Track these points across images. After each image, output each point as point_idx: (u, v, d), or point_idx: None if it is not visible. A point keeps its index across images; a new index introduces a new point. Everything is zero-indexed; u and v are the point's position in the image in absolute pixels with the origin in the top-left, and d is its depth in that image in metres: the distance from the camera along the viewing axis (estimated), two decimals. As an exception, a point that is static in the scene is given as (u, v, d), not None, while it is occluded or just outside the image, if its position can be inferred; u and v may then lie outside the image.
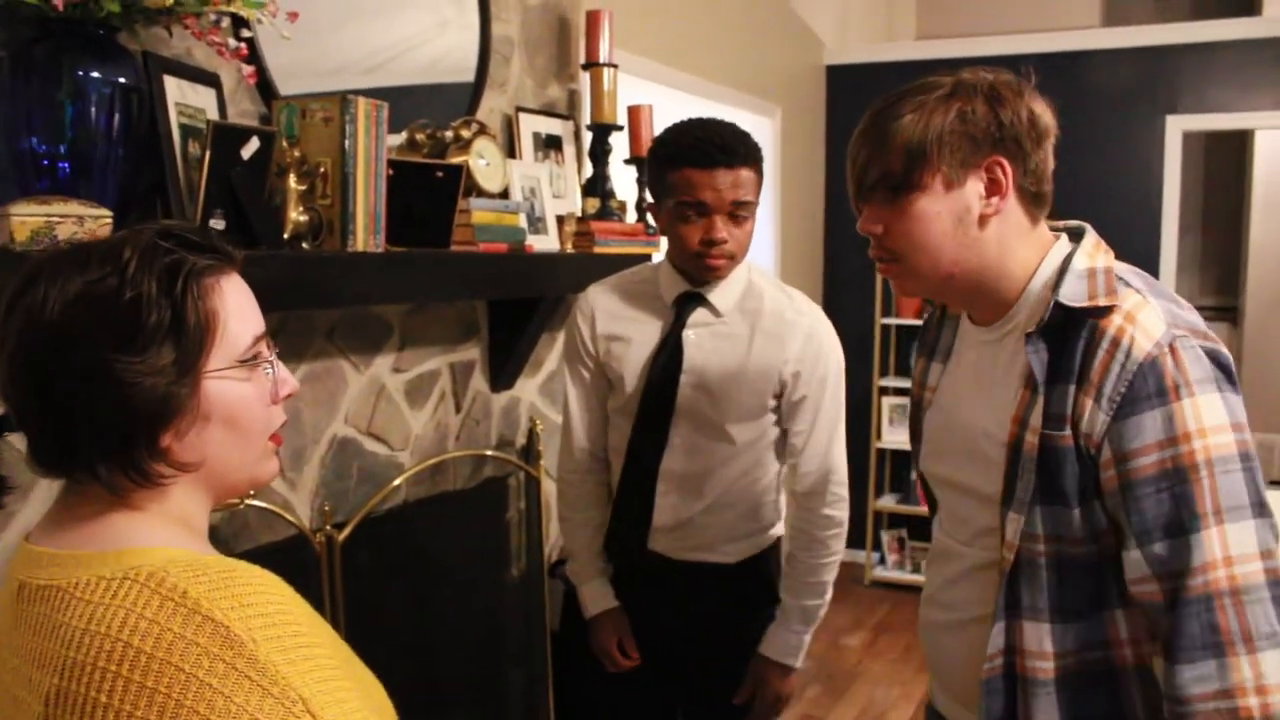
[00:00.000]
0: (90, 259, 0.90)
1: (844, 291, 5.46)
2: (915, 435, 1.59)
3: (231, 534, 2.06)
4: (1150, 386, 1.20)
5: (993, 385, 1.37)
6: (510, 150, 2.78)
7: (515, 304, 2.70)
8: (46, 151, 1.61)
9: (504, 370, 2.78)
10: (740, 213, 1.93)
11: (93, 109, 1.62)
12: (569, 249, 2.77)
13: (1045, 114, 1.32)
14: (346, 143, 1.95)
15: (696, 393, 2.02)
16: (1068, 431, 1.25)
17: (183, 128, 1.80)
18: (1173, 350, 1.21)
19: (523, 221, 2.59)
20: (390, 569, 2.42)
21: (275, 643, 0.82)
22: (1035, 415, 1.28)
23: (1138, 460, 1.22)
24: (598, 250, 2.78)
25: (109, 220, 1.55)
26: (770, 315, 2.03)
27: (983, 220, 1.31)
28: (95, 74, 1.61)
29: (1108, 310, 1.25)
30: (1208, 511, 1.19)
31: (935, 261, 1.32)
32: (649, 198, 2.10)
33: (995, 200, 1.30)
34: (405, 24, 2.51)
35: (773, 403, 2.04)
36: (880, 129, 1.33)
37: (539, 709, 2.91)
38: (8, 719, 0.88)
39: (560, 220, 2.77)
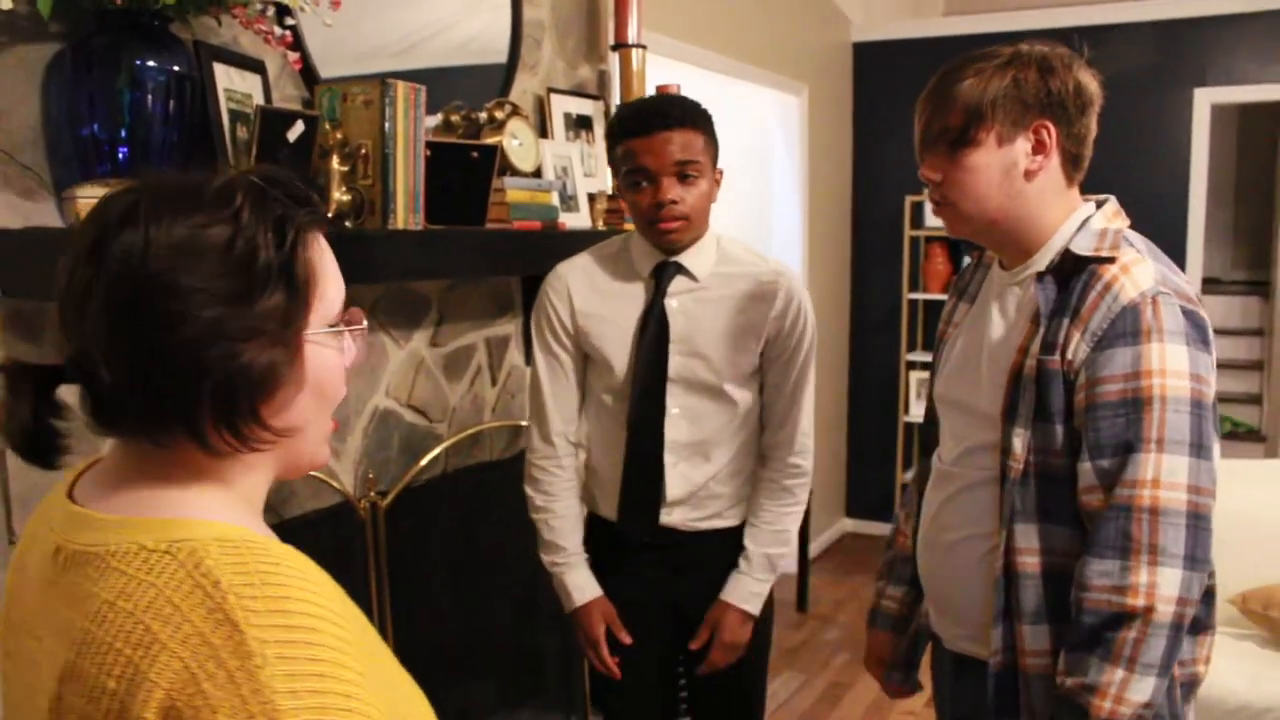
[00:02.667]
0: (199, 200, 0.82)
1: (872, 267, 5.50)
2: (935, 369, 1.74)
3: (280, 500, 2.16)
4: (1128, 326, 1.39)
5: (1007, 320, 1.56)
6: (542, 130, 2.85)
7: (548, 280, 2.78)
8: (106, 137, 1.70)
9: (538, 345, 2.86)
10: (688, 172, 1.97)
11: (149, 96, 1.70)
12: (600, 226, 2.84)
13: (1091, 84, 1.50)
14: (386, 125, 2.03)
15: (689, 359, 2.06)
16: (1056, 357, 1.44)
17: (231, 113, 1.89)
18: (1154, 302, 1.39)
19: (555, 200, 2.67)
20: (430, 536, 2.51)
21: (285, 664, 0.74)
22: (1036, 344, 1.47)
23: (1104, 386, 1.40)
24: (627, 227, 2.85)
25: (167, 201, 1.63)
26: (748, 277, 2.09)
27: (1028, 175, 1.49)
28: (151, 63, 1.70)
29: (1109, 260, 1.44)
30: (1151, 438, 1.37)
31: (982, 207, 1.51)
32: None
33: (1040, 158, 1.48)
34: (435, 6, 2.58)
35: (758, 361, 2.10)
36: (944, 90, 1.51)
37: (573, 675, 3.01)
38: (26, 686, 0.84)
39: (591, 198, 2.85)
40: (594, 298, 2.10)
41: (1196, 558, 1.37)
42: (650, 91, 3.03)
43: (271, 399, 0.84)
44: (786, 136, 4.66)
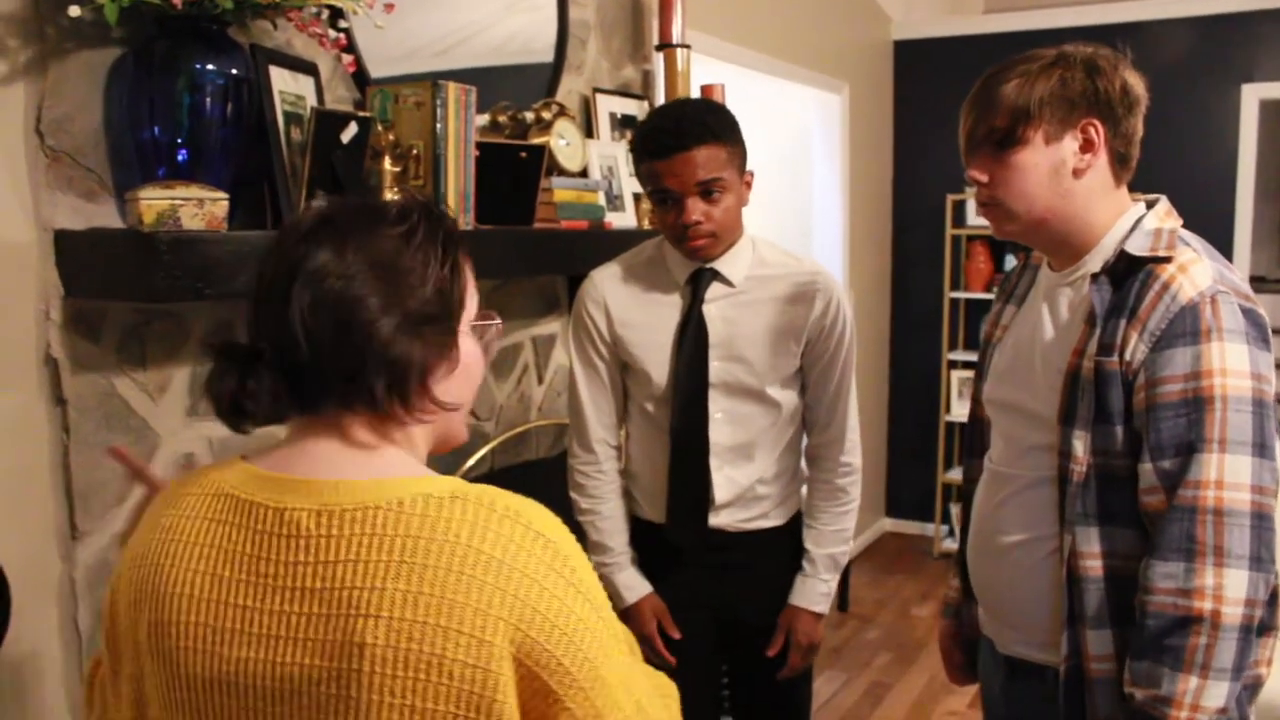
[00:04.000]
0: (383, 219, 1.02)
1: (913, 266, 5.48)
2: (980, 372, 1.74)
3: (333, 498, 2.18)
4: (1187, 326, 1.38)
5: (1059, 320, 1.56)
6: (588, 130, 2.86)
7: (593, 279, 2.79)
8: (166, 140, 1.72)
9: (583, 344, 2.87)
10: (712, 189, 1.96)
11: (207, 99, 1.73)
12: (646, 225, 2.85)
13: (1137, 85, 1.51)
14: (438, 126, 2.05)
15: (729, 363, 2.07)
16: (1115, 358, 1.43)
17: (286, 115, 1.91)
18: (1213, 301, 1.39)
19: (601, 199, 2.69)
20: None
21: (583, 560, 0.98)
22: (1092, 345, 1.46)
23: (1165, 386, 1.39)
24: (659, 227, 2.85)
25: (225, 201, 1.66)
26: (784, 279, 2.09)
27: (1076, 173, 1.49)
28: (210, 66, 1.72)
29: (1165, 260, 1.44)
30: (1214, 438, 1.36)
31: (1030, 206, 1.51)
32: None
33: (1088, 157, 1.49)
34: (477, 6, 2.59)
35: (799, 362, 2.10)
36: (989, 92, 1.51)
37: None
38: (297, 643, 0.93)
39: (637, 198, 2.85)
40: (631, 307, 2.11)
41: (1261, 558, 1.36)
42: (694, 92, 3.04)
43: (435, 380, 1.02)
44: (827, 135, 4.65)
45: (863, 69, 4.98)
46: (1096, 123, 1.48)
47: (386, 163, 2.04)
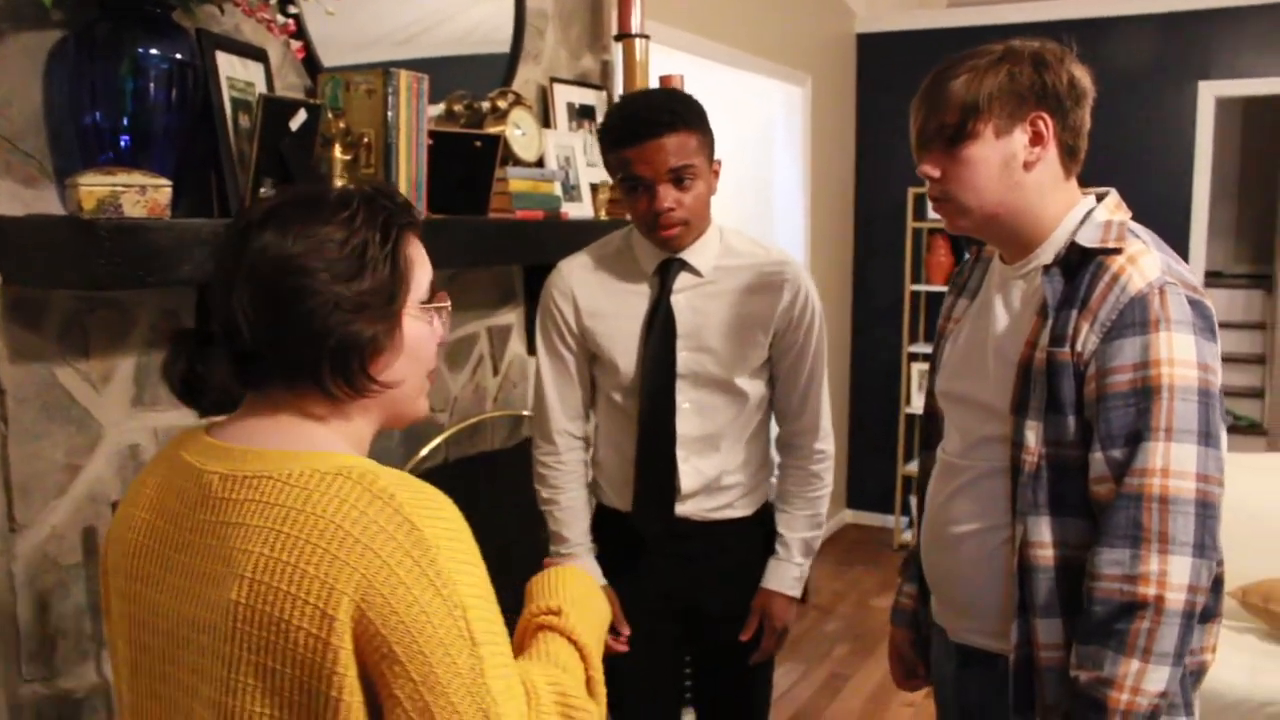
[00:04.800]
0: (322, 206, 1.06)
1: (874, 258, 5.50)
2: (934, 365, 1.75)
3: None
4: (1136, 317, 1.40)
5: (1012, 312, 1.57)
6: (545, 120, 2.85)
7: (550, 269, 2.77)
8: (109, 125, 1.69)
9: (540, 335, 2.86)
10: (684, 176, 1.96)
11: (151, 85, 1.70)
12: (603, 215, 2.84)
13: (1084, 78, 1.52)
14: (389, 114, 2.03)
15: (697, 354, 2.07)
16: (1066, 349, 1.44)
17: (234, 101, 1.88)
18: (1161, 292, 1.40)
19: (558, 190, 2.67)
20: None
21: (451, 553, 0.97)
22: (1044, 337, 1.47)
23: (1115, 376, 1.41)
24: (630, 217, 2.84)
25: (169, 188, 1.63)
26: (751, 269, 2.09)
27: (1026, 166, 1.50)
28: (154, 51, 1.69)
29: (1115, 252, 1.45)
30: (1160, 427, 1.38)
31: (983, 200, 1.51)
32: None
33: (1038, 149, 1.50)
34: (437, -4, 2.57)
35: (767, 353, 2.10)
36: (939, 88, 1.52)
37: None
38: (193, 594, 1.01)
39: (594, 188, 2.84)
40: (599, 297, 2.11)
41: (1205, 545, 1.38)
42: (654, 83, 3.03)
43: (377, 359, 1.07)
44: (790, 127, 4.65)
45: (826, 62, 4.98)
46: (1045, 116, 1.48)
47: (337, 150, 2.02)
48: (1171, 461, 1.37)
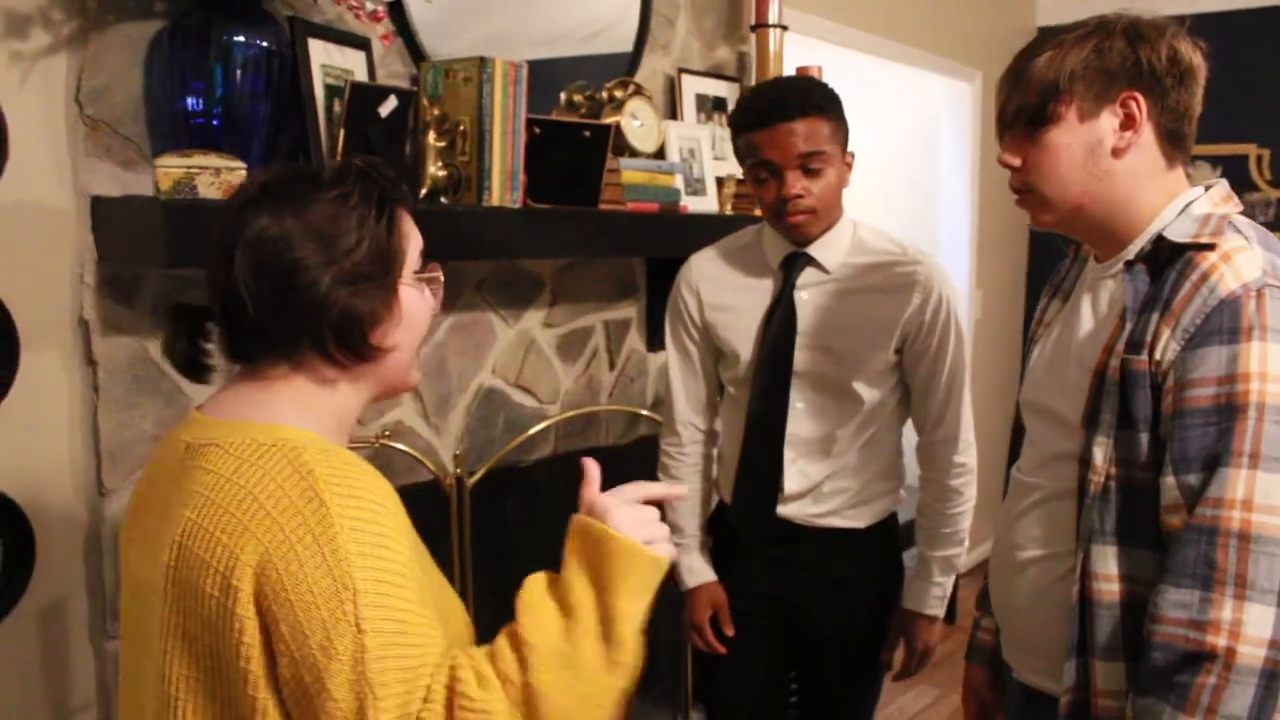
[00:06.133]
0: (319, 181, 1.09)
1: (1050, 262, 5.17)
2: (1023, 373, 1.60)
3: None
4: (1225, 323, 1.22)
5: (1096, 316, 1.41)
6: (671, 112, 2.80)
7: (674, 264, 2.72)
8: (200, 111, 1.76)
9: (661, 330, 2.78)
10: (813, 164, 1.87)
11: (239, 71, 1.76)
12: (728, 210, 2.76)
13: (1190, 54, 1.34)
14: (484, 101, 2.03)
15: (816, 353, 1.98)
16: (1144, 356, 1.27)
17: (328, 88, 1.92)
18: (1259, 295, 1.21)
19: (678, 182, 2.61)
20: (536, 516, 2.50)
21: (356, 534, 0.95)
22: (1122, 342, 1.30)
23: (1195, 390, 1.23)
24: (758, 212, 2.75)
25: (243, 170, 1.68)
26: (882, 268, 1.98)
27: (1116, 153, 1.34)
28: (240, 38, 1.75)
29: (1208, 248, 1.27)
30: (1244, 451, 1.19)
31: (1064, 191, 1.36)
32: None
33: (1129, 134, 1.33)
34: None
35: (894, 359, 1.99)
36: (1021, 67, 1.38)
37: (680, 669, 2.95)
38: (150, 555, 1.04)
39: (720, 182, 2.77)
40: (723, 290, 2.07)
41: None
42: (790, 74, 2.93)
43: (376, 328, 1.09)
44: (956, 127, 4.41)
45: (1000, 56, 4.70)
46: (1138, 96, 1.31)
47: (431, 137, 2.03)
48: (1256, 493, 1.18)
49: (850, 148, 1.97)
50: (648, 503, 1.11)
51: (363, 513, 0.97)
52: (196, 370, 1.17)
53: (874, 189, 4.16)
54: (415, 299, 1.14)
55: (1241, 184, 4.39)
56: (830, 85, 1.97)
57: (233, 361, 1.13)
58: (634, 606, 1.03)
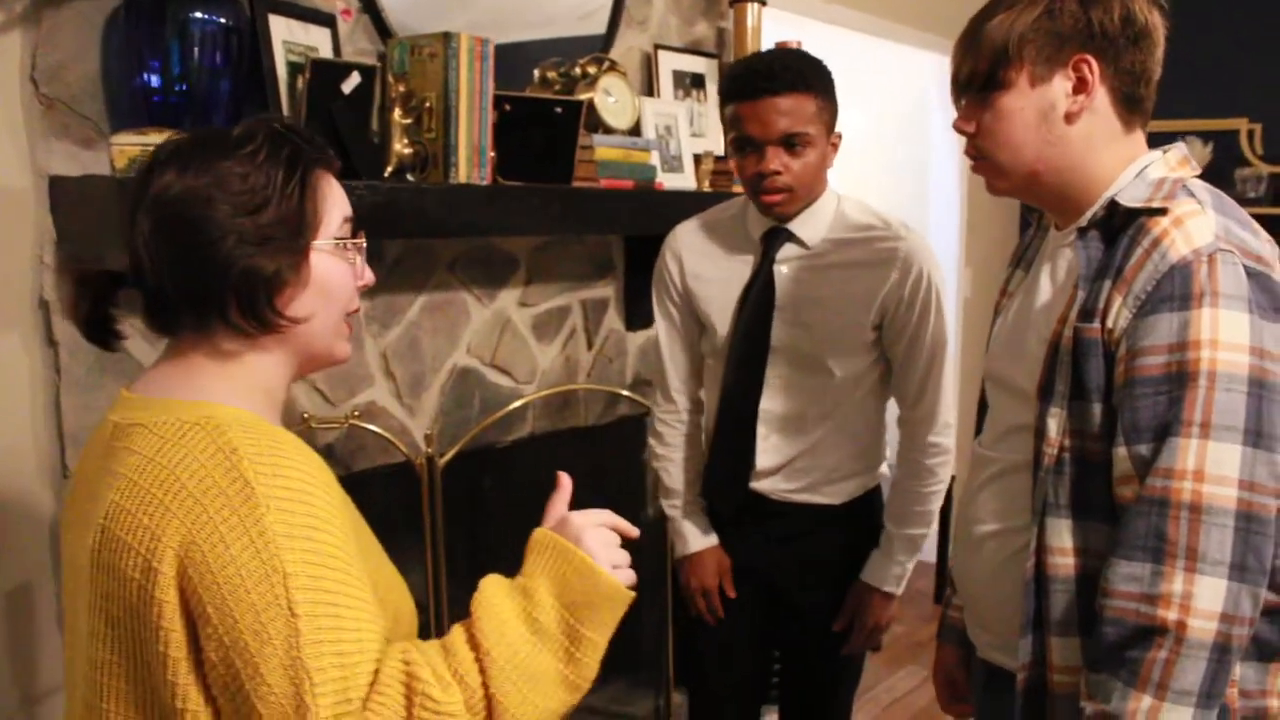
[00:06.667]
0: (226, 141, 1.05)
1: (1048, 242, 5.14)
2: (988, 345, 1.58)
3: (349, 453, 2.18)
4: (1175, 289, 1.19)
5: (1054, 285, 1.39)
6: (648, 89, 2.77)
7: (653, 241, 2.69)
8: (159, 88, 1.74)
9: (640, 309, 2.78)
10: (795, 141, 1.85)
11: (196, 48, 1.73)
12: (705, 187, 2.74)
13: (1144, 13, 1.31)
14: (449, 76, 2.01)
15: (792, 329, 1.96)
16: (1096, 324, 1.25)
17: (291, 65, 1.90)
18: (1210, 260, 1.19)
19: (654, 159, 2.59)
20: (513, 498, 2.49)
21: (284, 515, 0.93)
22: (1075, 311, 1.28)
23: (1145, 358, 1.20)
24: (736, 189, 2.73)
25: (199, 149, 1.66)
26: (863, 243, 1.95)
27: (1069, 118, 1.31)
28: (197, 14, 1.73)
29: (1160, 213, 1.24)
30: (1194, 420, 1.17)
31: (1018, 157, 1.34)
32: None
33: (1081, 98, 1.31)
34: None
35: (872, 335, 1.96)
36: (974, 30, 1.35)
37: (662, 652, 2.94)
38: (79, 538, 1.02)
39: (697, 159, 2.75)
40: (704, 260, 2.06)
41: (1247, 567, 1.15)
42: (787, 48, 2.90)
43: (282, 292, 1.04)
44: (946, 104, 4.37)
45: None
46: (1090, 59, 1.29)
47: (396, 114, 2.01)
48: (1208, 463, 1.16)
49: (838, 128, 1.95)
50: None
51: (290, 493, 0.94)
52: (103, 337, 1.13)
53: (863, 166, 4.13)
54: (331, 266, 1.09)
55: (1233, 159, 4.36)
56: (822, 62, 1.94)
57: (154, 333, 1.10)
58: (601, 638, 1.05)
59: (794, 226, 1.96)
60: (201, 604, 0.91)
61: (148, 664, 0.94)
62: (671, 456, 2.16)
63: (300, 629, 0.90)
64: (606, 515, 1.11)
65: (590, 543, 1.06)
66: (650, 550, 2.88)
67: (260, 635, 0.89)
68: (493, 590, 1.03)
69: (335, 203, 1.11)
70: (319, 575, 0.92)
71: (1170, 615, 1.15)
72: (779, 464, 2.03)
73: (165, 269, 1.02)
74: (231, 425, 0.97)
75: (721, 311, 2.02)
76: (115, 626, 0.95)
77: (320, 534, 0.94)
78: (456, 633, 1.01)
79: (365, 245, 1.14)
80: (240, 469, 0.93)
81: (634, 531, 1.13)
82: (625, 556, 1.09)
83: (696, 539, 2.14)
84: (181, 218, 1.01)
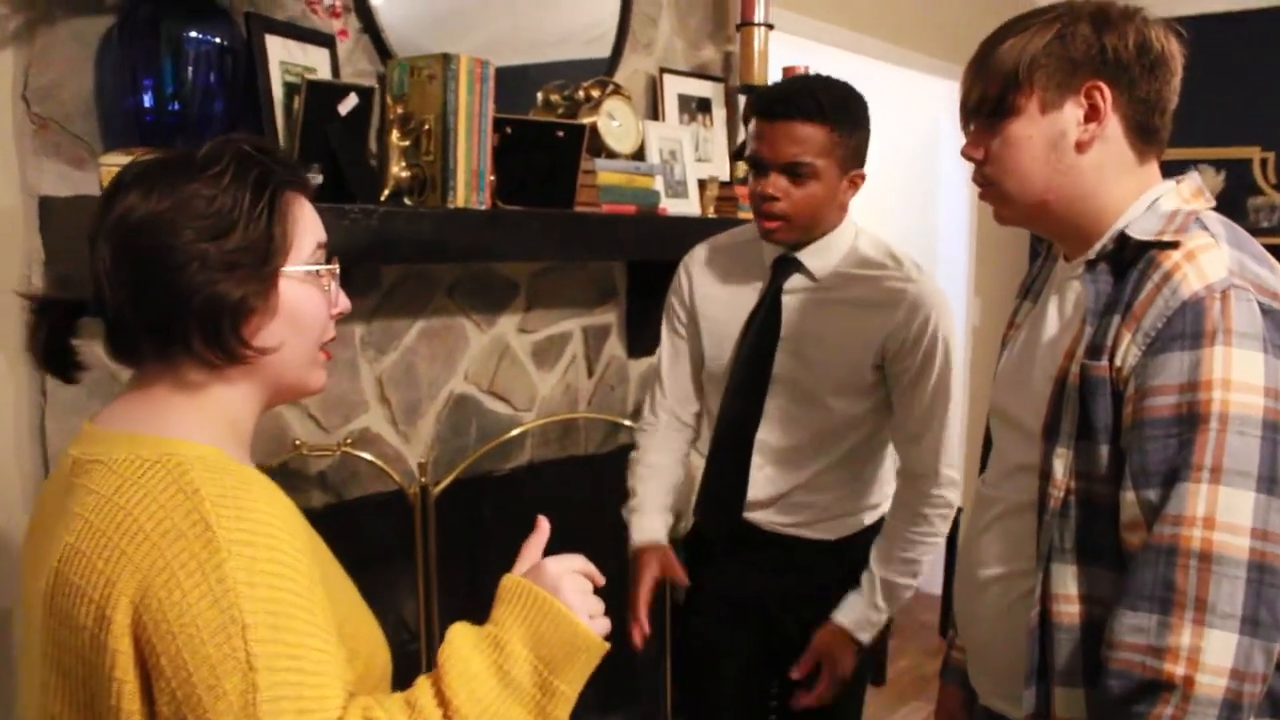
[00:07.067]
0: (191, 162, 1.00)
1: (1059, 270, 5.09)
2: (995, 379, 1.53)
3: (341, 481, 2.14)
4: (1187, 326, 1.14)
5: (1061, 319, 1.34)
6: (654, 113, 2.74)
7: (656, 268, 2.66)
8: (152, 107, 1.71)
9: (643, 336, 2.74)
10: (799, 171, 1.80)
11: (190, 68, 1.71)
12: (710, 213, 2.70)
13: (1162, 42, 1.26)
14: (448, 98, 1.98)
15: (793, 360, 1.91)
16: (1104, 362, 1.20)
17: (288, 85, 1.88)
18: (1224, 296, 1.14)
19: (658, 184, 2.56)
20: (510, 528, 2.43)
21: (247, 561, 0.88)
22: (1083, 347, 1.23)
23: (1155, 399, 1.15)
24: (743, 215, 2.70)
25: (190, 170, 1.63)
26: (872, 282, 1.90)
27: (1080, 146, 1.27)
28: (193, 34, 1.70)
29: (1171, 246, 1.19)
30: (1204, 465, 1.11)
31: (1026, 186, 1.30)
32: None
33: (1093, 126, 1.26)
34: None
35: (873, 376, 1.91)
36: (984, 54, 1.31)
37: (659, 685, 2.88)
38: (35, 582, 0.96)
39: (702, 184, 2.71)
40: (714, 281, 2.03)
41: (1260, 620, 1.09)
42: (775, 75, 2.87)
43: (249, 322, 1.00)
44: (956, 130, 4.34)
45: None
46: (1103, 86, 1.24)
47: (394, 136, 1.98)
48: (1219, 510, 1.10)
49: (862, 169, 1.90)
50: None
51: (255, 538, 0.89)
52: (61, 367, 1.07)
53: (871, 193, 4.08)
54: (302, 293, 1.04)
55: (1246, 188, 4.32)
56: (860, 98, 1.89)
57: (116, 363, 1.06)
58: (573, 691, 1.00)
59: (803, 256, 1.92)
60: (155, 654, 0.86)
61: (100, 717, 0.89)
62: (643, 459, 2.09)
63: (258, 684, 0.85)
64: (580, 561, 1.06)
65: (568, 594, 1.01)
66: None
67: (214, 690, 0.84)
68: (460, 641, 0.98)
69: (307, 227, 1.06)
70: (280, 625, 0.87)
71: (1178, 670, 1.09)
72: (773, 496, 1.97)
73: (125, 296, 0.97)
74: (194, 464, 0.93)
75: (726, 334, 1.98)
76: (68, 677, 0.91)
77: (285, 580, 0.89)
78: (422, 686, 0.96)
79: (339, 271, 1.09)
80: (201, 511, 0.88)
81: (601, 579, 1.08)
82: (600, 605, 1.05)
83: (640, 534, 2.03)
84: (142, 243, 0.97)
